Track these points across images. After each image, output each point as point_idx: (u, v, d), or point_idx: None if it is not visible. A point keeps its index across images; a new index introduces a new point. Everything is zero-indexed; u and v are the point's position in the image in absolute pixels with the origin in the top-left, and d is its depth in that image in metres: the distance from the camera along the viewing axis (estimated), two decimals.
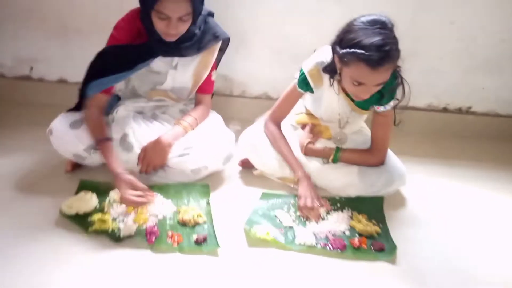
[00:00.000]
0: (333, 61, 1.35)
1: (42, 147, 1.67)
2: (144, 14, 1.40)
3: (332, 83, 1.43)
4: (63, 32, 2.01)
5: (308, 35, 1.94)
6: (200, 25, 1.52)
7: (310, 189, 1.46)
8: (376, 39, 1.20)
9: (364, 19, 1.24)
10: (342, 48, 1.26)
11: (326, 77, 1.45)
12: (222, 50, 1.69)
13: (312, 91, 1.49)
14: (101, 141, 1.45)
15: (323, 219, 1.41)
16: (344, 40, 1.26)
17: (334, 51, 1.31)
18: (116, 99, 1.65)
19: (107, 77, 1.45)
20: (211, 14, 1.60)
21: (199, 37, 1.52)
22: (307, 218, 1.41)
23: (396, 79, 1.35)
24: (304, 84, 1.48)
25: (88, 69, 1.48)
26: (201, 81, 1.62)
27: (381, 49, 1.19)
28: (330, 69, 1.38)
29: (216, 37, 1.57)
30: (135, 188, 1.36)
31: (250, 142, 1.59)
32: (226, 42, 1.66)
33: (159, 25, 1.39)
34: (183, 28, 1.41)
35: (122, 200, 1.35)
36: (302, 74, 1.48)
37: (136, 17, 1.46)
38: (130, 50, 1.47)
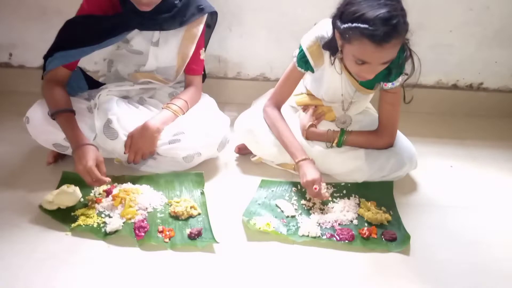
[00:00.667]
0: (333, 37, 1.21)
1: (22, 137, 1.54)
2: None
3: (333, 61, 1.29)
4: (41, 13, 1.87)
5: (307, 10, 1.80)
6: None
7: (314, 172, 1.30)
8: (381, 11, 1.06)
9: None
10: (343, 22, 1.12)
11: (327, 54, 1.31)
12: (209, 27, 1.56)
13: (312, 70, 1.35)
14: (61, 112, 1.32)
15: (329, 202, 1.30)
16: (346, 13, 1.12)
17: (334, 26, 1.17)
18: (82, 78, 1.55)
19: (72, 49, 1.34)
20: None
21: (181, 8, 1.39)
22: (312, 206, 1.30)
23: (404, 52, 1.22)
24: (303, 62, 1.34)
25: (54, 40, 1.37)
26: (188, 59, 1.49)
27: (388, 23, 1.06)
28: (331, 46, 1.25)
29: (200, 10, 1.44)
30: (98, 169, 1.25)
31: (246, 126, 1.46)
32: (213, 16, 1.53)
33: None
34: None
35: (80, 169, 1.24)
36: (301, 51, 1.34)
37: None
38: (101, 21, 1.34)
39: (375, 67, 1.16)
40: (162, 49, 1.47)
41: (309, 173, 1.29)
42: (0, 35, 1.96)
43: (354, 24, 1.08)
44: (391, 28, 1.06)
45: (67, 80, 1.42)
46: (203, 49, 1.55)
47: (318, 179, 1.28)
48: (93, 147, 1.29)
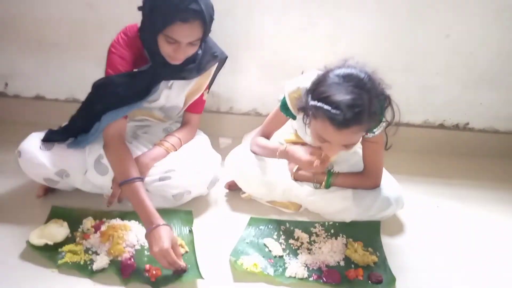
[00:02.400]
0: (306, 104, 1.21)
1: (14, 168, 1.54)
2: (149, 36, 1.30)
3: (306, 123, 1.27)
4: (39, 47, 1.91)
5: (298, 52, 1.86)
6: (201, 45, 1.43)
7: (298, 149, 1.32)
8: (346, 97, 1.09)
9: (339, 72, 1.14)
10: (312, 99, 1.16)
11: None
12: (217, 69, 1.60)
13: (294, 117, 1.39)
14: (129, 182, 1.28)
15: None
16: (316, 91, 1.16)
17: (306, 98, 1.20)
18: None
19: (121, 108, 1.33)
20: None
21: (201, 57, 1.43)
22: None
23: (383, 102, 1.22)
24: (285, 108, 1.38)
25: (87, 102, 1.36)
26: (191, 101, 1.53)
27: (349, 110, 1.09)
28: (304, 110, 1.24)
29: (214, 57, 1.48)
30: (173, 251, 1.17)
31: (236, 164, 1.48)
32: (223, 61, 1.57)
33: (166, 49, 1.29)
34: (191, 51, 1.33)
35: (156, 252, 1.15)
36: (284, 98, 1.37)
37: (136, 36, 1.36)
38: (138, 77, 1.35)
39: (335, 147, 1.19)
40: (174, 92, 1.49)
41: (296, 150, 1.33)
42: None
43: (319, 104, 1.11)
44: (352, 115, 1.09)
45: (126, 131, 1.42)
46: (208, 90, 1.58)
47: (305, 149, 1.31)
48: (168, 228, 1.20)
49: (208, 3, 1.27)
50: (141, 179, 1.30)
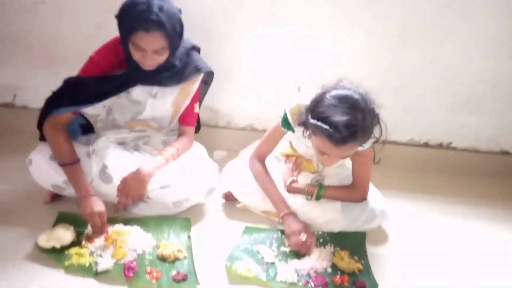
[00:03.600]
0: (306, 121, 1.34)
1: (22, 176, 1.64)
2: (122, 43, 1.42)
3: (306, 136, 1.40)
4: (49, 61, 2.01)
5: (294, 71, 1.98)
6: (182, 57, 1.54)
7: (298, 223, 1.45)
8: (342, 118, 1.22)
9: (335, 93, 1.26)
10: (312, 117, 1.28)
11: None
12: (207, 83, 1.71)
13: (293, 131, 1.50)
14: (70, 164, 1.43)
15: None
16: (315, 110, 1.28)
17: (306, 116, 1.32)
18: (80, 120, 1.65)
19: (78, 105, 1.47)
20: (196, 48, 1.62)
21: (180, 69, 1.54)
22: (303, 254, 1.40)
23: (371, 122, 1.32)
24: (286, 123, 1.49)
25: (56, 95, 1.48)
26: (181, 111, 1.62)
27: (346, 130, 1.21)
28: (304, 125, 1.37)
29: (197, 70, 1.58)
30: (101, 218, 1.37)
31: (233, 175, 1.59)
32: (210, 75, 1.68)
33: (135, 55, 1.41)
34: (159, 60, 1.44)
35: (88, 213, 1.36)
36: (285, 114, 1.49)
37: (118, 44, 1.48)
38: (109, 80, 1.48)
39: (333, 158, 1.33)
40: (159, 101, 1.59)
41: (293, 225, 1.43)
42: (7, 76, 2.08)
43: (319, 123, 1.24)
44: (348, 134, 1.22)
45: (68, 123, 1.53)
46: (198, 103, 1.69)
47: (301, 229, 1.41)
48: (99, 197, 1.42)
49: (173, 15, 1.38)
50: (78, 160, 1.46)
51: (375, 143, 1.39)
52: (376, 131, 1.36)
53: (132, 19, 1.35)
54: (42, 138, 1.53)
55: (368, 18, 1.87)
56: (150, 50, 1.38)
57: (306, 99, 1.37)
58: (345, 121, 1.21)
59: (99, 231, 1.37)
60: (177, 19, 1.41)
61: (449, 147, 2.11)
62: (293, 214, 1.49)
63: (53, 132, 1.47)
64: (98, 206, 1.38)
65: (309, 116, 1.29)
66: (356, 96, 1.25)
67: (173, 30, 1.39)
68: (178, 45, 1.48)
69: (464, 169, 2.08)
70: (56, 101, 1.48)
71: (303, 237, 1.40)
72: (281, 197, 1.52)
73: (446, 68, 1.94)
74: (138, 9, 1.33)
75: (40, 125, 1.52)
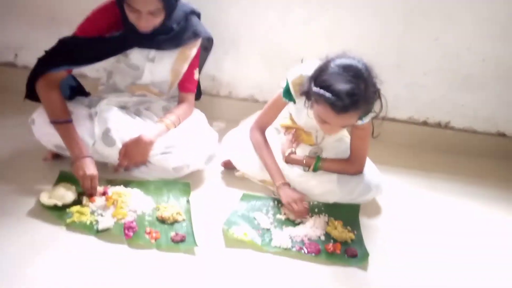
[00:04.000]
0: (309, 90, 1.35)
1: (22, 134, 1.66)
2: (118, 4, 1.42)
3: (307, 107, 1.42)
4: (50, 21, 2.00)
5: (297, 43, 1.98)
6: (180, 21, 1.54)
7: (293, 192, 1.49)
8: (345, 87, 1.22)
9: (340, 62, 1.26)
10: (315, 85, 1.29)
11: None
12: (207, 50, 1.71)
13: (294, 102, 1.51)
14: (63, 122, 1.45)
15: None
16: (318, 79, 1.29)
17: (309, 84, 1.33)
18: (71, 82, 1.65)
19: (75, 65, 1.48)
20: (195, 13, 1.61)
21: (178, 32, 1.54)
22: (298, 222, 1.44)
23: (373, 94, 1.34)
24: (287, 94, 1.49)
25: (51, 54, 1.47)
26: (180, 76, 1.63)
27: (348, 98, 1.22)
28: (307, 94, 1.38)
29: (196, 35, 1.58)
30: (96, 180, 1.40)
31: (233, 144, 1.61)
32: (210, 41, 1.68)
33: (131, 17, 1.41)
34: (154, 21, 1.43)
35: (81, 175, 1.38)
36: (287, 84, 1.49)
37: (116, 5, 1.46)
38: (105, 41, 1.48)
39: (334, 127, 1.34)
40: (157, 65, 1.59)
41: (288, 195, 1.46)
42: (8, 36, 2.07)
43: (322, 91, 1.25)
44: (350, 102, 1.23)
45: (61, 81, 1.53)
46: (197, 69, 1.69)
47: (295, 198, 1.45)
48: (92, 160, 1.44)
49: None
50: (71, 120, 1.46)
51: (374, 118, 1.41)
52: (376, 107, 1.37)
53: None
54: (29, 96, 1.54)
55: None
56: (144, 11, 1.38)
57: (309, 70, 1.37)
58: (348, 89, 1.22)
59: (89, 193, 1.41)
60: None
61: (447, 127, 2.13)
62: (288, 185, 1.52)
63: (47, 89, 1.47)
64: (91, 169, 1.40)
65: (312, 84, 1.30)
66: (360, 65, 1.26)
67: None
68: (174, 6, 1.47)
69: (461, 149, 2.12)
70: (51, 60, 1.48)
71: (297, 205, 1.44)
72: (277, 168, 1.55)
73: (449, 46, 1.94)
74: None
75: (29, 83, 1.52)
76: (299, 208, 1.44)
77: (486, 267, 1.38)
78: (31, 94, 1.53)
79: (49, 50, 1.49)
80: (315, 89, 1.28)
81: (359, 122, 1.40)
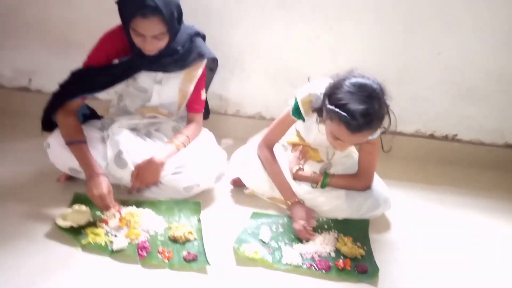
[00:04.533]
0: (322, 107, 1.38)
1: (37, 157, 1.71)
2: (124, 28, 1.48)
3: (319, 123, 1.46)
4: (64, 46, 2.06)
5: (302, 61, 2.02)
6: (185, 43, 1.59)
7: (302, 211, 1.50)
8: (360, 107, 1.25)
9: (355, 81, 1.28)
10: (330, 103, 1.31)
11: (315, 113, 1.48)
12: (212, 70, 1.76)
13: (303, 120, 1.54)
14: (76, 143, 1.49)
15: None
16: (333, 96, 1.31)
17: (323, 101, 1.35)
18: (84, 111, 1.71)
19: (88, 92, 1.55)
20: (200, 35, 1.67)
21: (183, 54, 1.59)
22: (306, 240, 1.45)
23: (384, 111, 1.37)
24: (296, 112, 1.53)
25: (66, 85, 1.54)
26: (188, 96, 1.68)
27: (363, 118, 1.25)
28: (319, 111, 1.41)
29: (201, 56, 1.63)
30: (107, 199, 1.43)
31: (242, 162, 1.64)
32: (215, 61, 1.73)
33: (136, 41, 1.47)
34: (159, 44, 1.48)
35: (94, 194, 1.42)
36: (296, 102, 1.53)
37: (122, 29, 1.52)
38: (115, 67, 1.54)
39: (346, 144, 1.37)
40: (164, 87, 1.64)
41: (298, 213, 1.49)
42: (22, 61, 2.15)
43: (337, 110, 1.27)
44: (365, 122, 1.26)
45: (78, 108, 1.60)
46: (204, 90, 1.73)
47: (303, 217, 1.47)
48: (106, 177, 1.46)
49: (170, 1, 1.43)
50: (85, 141, 1.52)
51: (383, 134, 1.43)
52: (384, 121, 1.39)
53: (130, 5, 1.40)
54: (45, 129, 1.59)
55: (377, 9, 1.89)
56: (149, 36, 1.43)
57: (317, 88, 1.41)
58: (363, 109, 1.25)
59: (104, 210, 1.44)
60: (174, 4, 1.45)
61: (454, 139, 2.14)
62: (300, 202, 1.54)
63: (64, 115, 1.54)
64: (101, 188, 1.43)
65: (327, 101, 1.32)
66: (375, 86, 1.28)
67: (170, 15, 1.43)
68: (177, 30, 1.52)
69: (469, 161, 2.12)
70: (66, 91, 1.54)
71: (305, 224, 1.45)
72: (287, 185, 1.57)
73: (452, 60, 1.97)
74: None
75: (45, 116, 1.58)
76: (303, 235, 1.45)
77: (497, 280, 1.38)
78: (47, 126, 1.58)
79: (63, 83, 1.55)
80: (330, 107, 1.30)
81: (369, 138, 1.43)
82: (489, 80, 2.00)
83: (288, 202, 1.54)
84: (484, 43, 1.92)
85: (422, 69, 2.01)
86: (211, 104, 2.09)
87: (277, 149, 1.70)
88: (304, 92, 1.49)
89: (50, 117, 1.56)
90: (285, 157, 1.69)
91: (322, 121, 1.41)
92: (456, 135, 2.14)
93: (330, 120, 1.33)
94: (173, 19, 1.45)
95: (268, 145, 1.64)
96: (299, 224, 1.46)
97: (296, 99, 1.51)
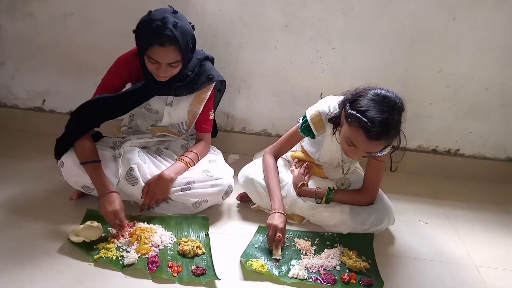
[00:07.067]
0: (339, 115, 1.45)
1: (50, 176, 1.77)
2: (139, 55, 1.55)
3: (335, 133, 1.52)
4: (76, 69, 2.14)
5: (306, 80, 2.08)
6: (195, 68, 1.66)
7: (279, 221, 1.48)
8: (381, 116, 1.30)
9: (379, 91, 1.34)
10: (351, 108, 1.36)
11: (329, 125, 1.54)
12: (220, 91, 1.83)
13: (313, 137, 1.59)
14: (90, 162, 1.54)
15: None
16: (355, 102, 1.36)
17: (343, 106, 1.41)
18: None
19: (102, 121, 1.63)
20: (209, 59, 1.74)
21: (193, 78, 1.66)
22: (272, 251, 1.46)
23: (400, 123, 1.41)
24: (306, 130, 1.58)
25: (80, 118, 1.58)
26: (197, 116, 1.74)
27: (382, 127, 1.30)
28: (335, 121, 1.48)
29: (210, 78, 1.70)
30: (120, 215, 1.47)
31: (248, 178, 1.68)
32: (223, 83, 1.80)
33: (151, 68, 1.53)
34: (172, 71, 1.55)
35: (107, 211, 1.45)
36: (306, 120, 1.58)
37: (136, 54, 1.59)
38: (129, 95, 1.61)
39: (360, 152, 1.40)
40: (175, 109, 1.72)
41: (276, 220, 1.48)
42: (36, 83, 2.22)
43: (358, 115, 1.32)
44: (383, 132, 1.31)
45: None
46: (212, 111, 1.80)
47: (280, 228, 1.47)
48: (118, 195, 1.51)
49: (185, 31, 1.50)
50: (99, 161, 1.56)
51: (393, 152, 1.47)
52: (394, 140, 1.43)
53: (148, 34, 1.47)
54: (58, 157, 1.62)
55: (379, 30, 1.96)
56: (164, 63, 1.50)
57: (325, 107, 1.49)
58: (383, 118, 1.30)
59: (117, 227, 1.48)
60: (189, 35, 1.52)
61: (457, 154, 2.18)
62: (280, 214, 1.51)
63: (81, 139, 1.59)
64: (114, 204, 1.47)
65: (348, 106, 1.37)
66: (397, 100, 1.35)
67: (185, 45, 1.50)
68: (190, 58, 1.60)
69: (472, 175, 2.16)
70: (81, 124, 1.59)
71: (276, 234, 1.45)
72: (279, 195, 1.57)
73: (452, 77, 2.02)
74: (155, 25, 1.45)
75: (58, 145, 1.62)
76: (272, 242, 1.45)
77: None
78: (61, 154, 1.62)
79: (77, 115, 1.59)
80: (351, 111, 1.34)
81: (378, 154, 1.47)
82: (490, 96, 2.04)
83: (275, 210, 1.52)
84: (484, 59, 1.98)
85: (423, 86, 2.06)
86: (218, 122, 2.15)
87: (280, 164, 1.74)
88: (314, 111, 1.55)
89: (65, 147, 1.61)
90: (286, 172, 1.74)
91: (338, 130, 1.45)
92: (458, 149, 2.18)
93: (348, 125, 1.37)
94: (187, 49, 1.52)
95: (274, 155, 1.69)
96: (274, 231, 1.46)
97: (305, 117, 1.57)
